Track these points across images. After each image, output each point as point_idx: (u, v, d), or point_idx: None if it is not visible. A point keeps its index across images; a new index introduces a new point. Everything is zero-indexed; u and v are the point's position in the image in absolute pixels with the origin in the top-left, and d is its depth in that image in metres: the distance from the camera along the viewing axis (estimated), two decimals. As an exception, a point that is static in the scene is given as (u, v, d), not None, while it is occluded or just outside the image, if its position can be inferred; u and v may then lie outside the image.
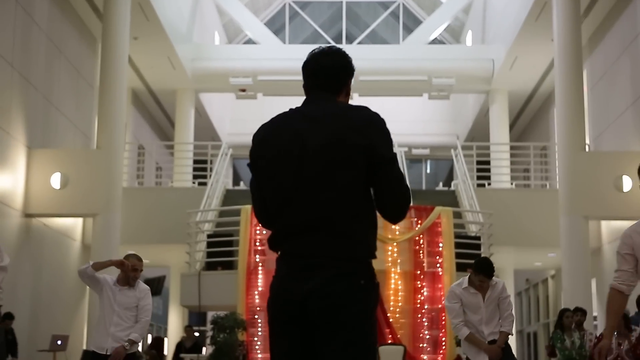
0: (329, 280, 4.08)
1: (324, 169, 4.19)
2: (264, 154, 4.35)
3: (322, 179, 4.19)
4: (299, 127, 4.32)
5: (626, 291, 6.09)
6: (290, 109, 4.46)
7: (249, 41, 31.83)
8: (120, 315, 9.72)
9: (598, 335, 13.96)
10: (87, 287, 20.79)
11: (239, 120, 34.27)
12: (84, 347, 18.37)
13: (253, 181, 4.45)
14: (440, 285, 17.40)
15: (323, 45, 4.55)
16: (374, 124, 4.28)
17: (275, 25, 35.96)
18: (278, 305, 4.20)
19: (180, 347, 19.37)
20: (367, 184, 4.23)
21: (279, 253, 4.30)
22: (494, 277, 9.61)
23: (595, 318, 19.67)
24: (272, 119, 4.47)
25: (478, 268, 9.43)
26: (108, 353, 9.59)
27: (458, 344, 16.58)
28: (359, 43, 35.70)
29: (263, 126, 4.47)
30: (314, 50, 4.50)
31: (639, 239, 6.13)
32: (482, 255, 18.52)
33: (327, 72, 4.42)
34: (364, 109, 4.33)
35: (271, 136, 4.39)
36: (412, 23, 36.08)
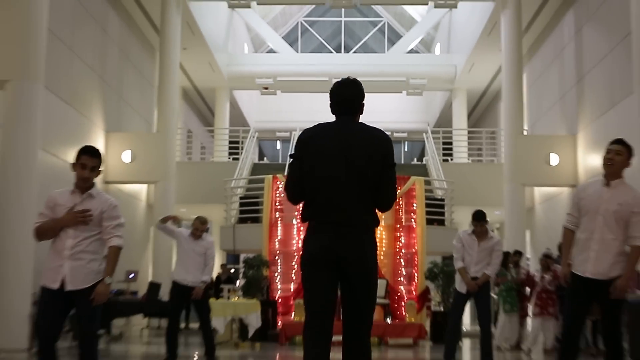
0: (358, 241, 4.67)
1: (356, 165, 4.69)
2: (307, 151, 4.78)
3: (355, 172, 4.69)
4: (335, 135, 4.78)
5: (574, 229, 6.39)
6: (326, 123, 4.92)
7: (271, 50, 31.57)
8: (194, 260, 10.18)
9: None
10: (150, 238, 21.32)
11: (263, 111, 34.11)
12: (150, 279, 18.72)
13: (293, 166, 4.85)
14: (413, 235, 17.42)
15: (344, 77, 5.03)
16: (388, 140, 4.83)
17: (290, 38, 35.82)
18: (320, 256, 4.68)
19: (218, 280, 19.37)
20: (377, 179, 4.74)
21: (315, 221, 4.76)
22: (492, 234, 9.65)
23: (528, 259, 19.82)
24: (314, 127, 4.88)
25: (472, 216, 9.51)
26: (189, 285, 10.12)
27: (427, 277, 16.58)
28: (354, 52, 35.56)
29: (306, 130, 4.87)
30: (337, 82, 4.98)
31: (583, 194, 6.36)
32: (446, 215, 19.00)
33: (348, 102, 4.90)
34: (380, 129, 4.88)
35: (313, 139, 4.80)
36: (394, 37, 35.69)
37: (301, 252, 4.82)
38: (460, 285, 9.53)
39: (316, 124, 4.92)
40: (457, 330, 9.83)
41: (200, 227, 10.29)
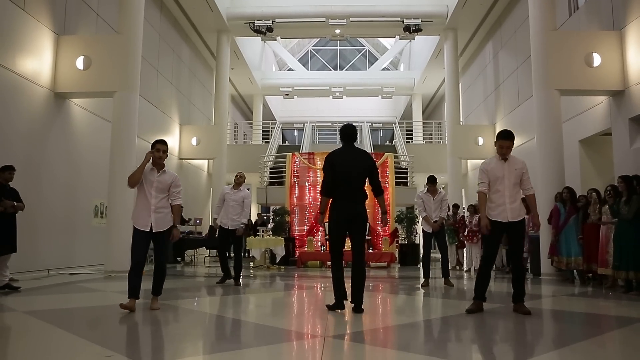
0: (361, 209, 5.87)
1: (358, 171, 5.89)
2: (333, 164, 5.89)
3: (357, 176, 5.88)
4: (345, 155, 5.96)
5: (486, 192, 6.07)
6: (340, 148, 6.01)
7: (290, 69, 31.49)
8: (234, 207, 9.35)
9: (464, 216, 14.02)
10: (210, 195, 21.33)
11: (285, 110, 33.89)
12: (210, 224, 18.61)
13: (327, 173, 5.90)
14: (387, 193, 16.92)
15: (347, 122, 6.32)
16: (372, 157, 6.08)
17: (303, 61, 35.56)
18: (342, 217, 5.82)
19: (256, 223, 19.40)
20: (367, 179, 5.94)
21: (337, 199, 5.82)
22: (440, 190, 9.49)
23: (464, 208, 19.74)
24: (335, 150, 5.99)
25: (427, 179, 9.44)
26: (230, 228, 9.34)
27: (396, 221, 16.47)
28: (346, 70, 35.17)
29: (333, 152, 6.00)
30: (343, 125, 6.11)
31: (489, 167, 6.07)
32: (408, 179, 18.75)
33: (350, 136, 6.09)
34: (366, 151, 6.08)
35: (336, 156, 5.96)
36: (372, 59, 35.49)
37: (329, 214, 5.86)
38: (426, 227, 9.43)
39: (335, 149, 6.04)
40: (429, 256, 9.60)
41: (238, 179, 9.52)
